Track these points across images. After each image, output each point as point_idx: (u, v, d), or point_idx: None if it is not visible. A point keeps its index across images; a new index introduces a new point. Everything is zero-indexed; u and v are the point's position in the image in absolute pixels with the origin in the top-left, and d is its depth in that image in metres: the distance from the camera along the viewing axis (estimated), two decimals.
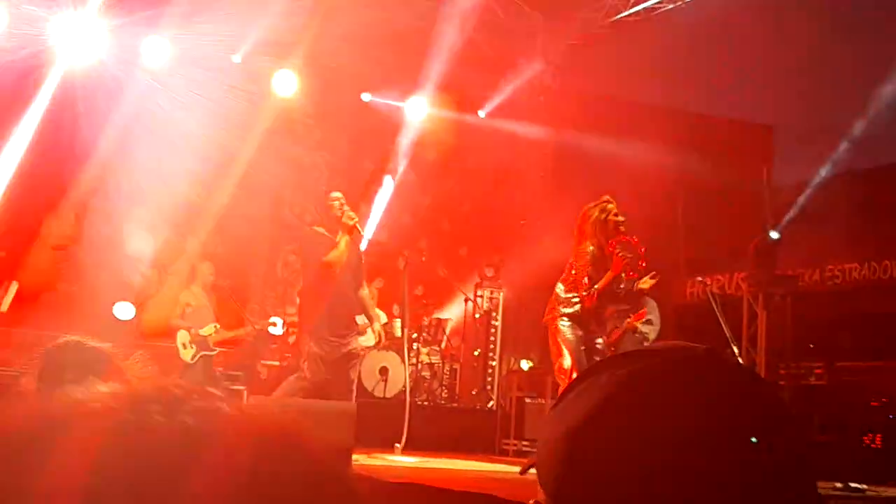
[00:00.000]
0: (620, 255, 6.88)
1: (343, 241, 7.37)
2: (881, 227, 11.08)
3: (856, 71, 13.12)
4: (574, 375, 6.75)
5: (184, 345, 10.66)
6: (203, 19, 12.03)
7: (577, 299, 7.01)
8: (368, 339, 9.51)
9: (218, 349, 10.75)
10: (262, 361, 11.77)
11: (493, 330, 12.67)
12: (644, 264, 7.08)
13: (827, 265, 10.85)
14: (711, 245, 11.96)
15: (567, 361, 7.01)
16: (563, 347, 7.02)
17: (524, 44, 13.69)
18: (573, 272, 7.10)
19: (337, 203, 7.52)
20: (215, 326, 10.69)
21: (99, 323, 11.75)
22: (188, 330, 10.66)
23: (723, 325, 9.70)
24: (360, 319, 8.33)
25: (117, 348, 2.47)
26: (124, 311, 11.78)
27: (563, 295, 7.15)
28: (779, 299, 10.10)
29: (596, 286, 6.94)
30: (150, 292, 12.68)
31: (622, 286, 7.15)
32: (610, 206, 7.12)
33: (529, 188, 13.89)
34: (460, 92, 13.50)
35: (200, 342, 10.64)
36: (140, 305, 12.23)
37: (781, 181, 12.85)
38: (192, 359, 10.61)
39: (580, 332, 7.08)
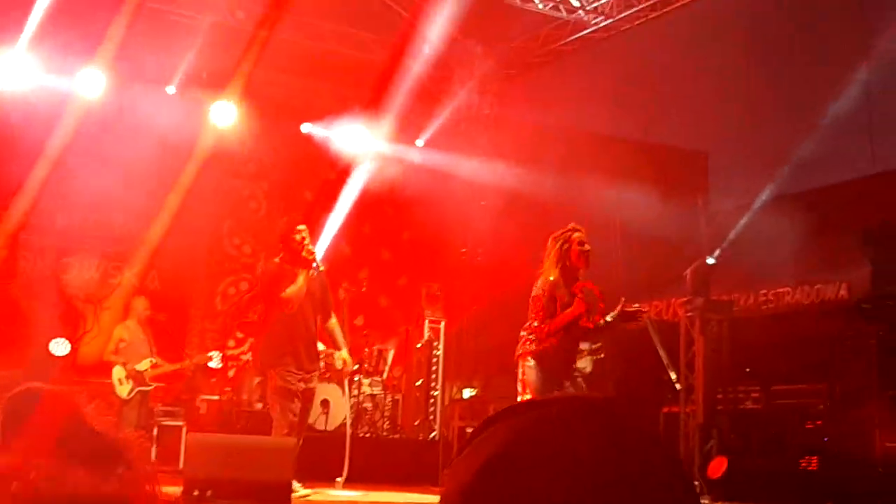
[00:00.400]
0: (581, 297, 6.66)
1: (302, 275, 7.28)
2: (813, 250, 11.29)
3: (786, 97, 13.39)
4: None
5: (119, 380, 10.51)
6: (140, 50, 11.96)
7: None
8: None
9: (154, 384, 10.61)
10: (202, 396, 11.62)
11: (434, 359, 12.66)
12: (603, 306, 6.91)
13: (761, 289, 11.02)
14: (649, 271, 12.09)
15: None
16: (526, 387, 6.87)
17: (461, 73, 13.77)
18: (531, 311, 6.92)
19: (299, 237, 7.38)
20: (151, 361, 10.56)
21: (35, 359, 11.58)
22: (123, 365, 10.51)
23: (660, 352, 9.81)
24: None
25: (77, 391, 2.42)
26: (60, 347, 11.59)
27: (527, 334, 6.94)
28: (715, 324, 10.22)
29: (549, 327, 6.78)
30: (86, 328, 12.50)
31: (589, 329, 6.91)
32: (575, 234, 6.92)
33: (470, 216, 13.94)
34: (399, 121, 13.53)
35: (136, 377, 10.51)
36: (75, 341, 12.05)
37: (717, 207, 13.06)
38: (129, 395, 10.47)
39: (544, 374, 6.84)
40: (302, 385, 7.37)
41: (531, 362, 6.81)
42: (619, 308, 7.01)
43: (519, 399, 6.86)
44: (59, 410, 2.09)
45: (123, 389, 10.47)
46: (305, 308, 7.30)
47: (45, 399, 2.22)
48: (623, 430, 0.92)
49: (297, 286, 7.20)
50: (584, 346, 8.94)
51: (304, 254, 7.31)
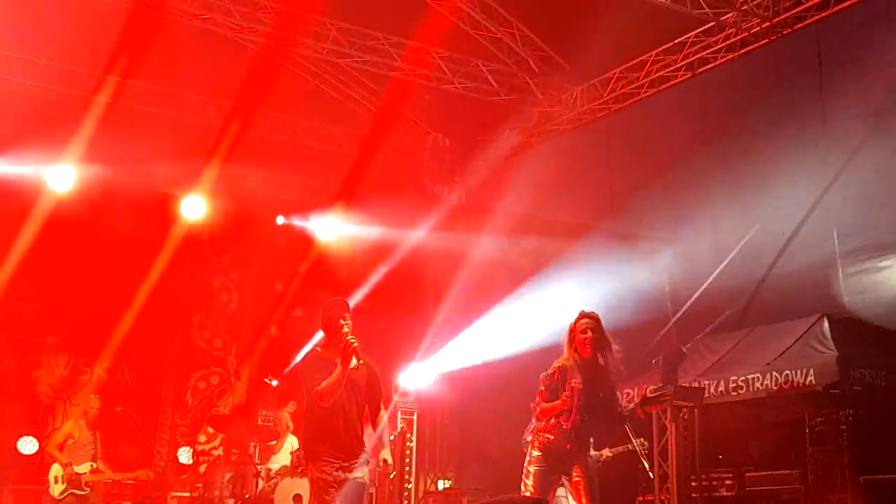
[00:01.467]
0: (568, 395, 6.65)
1: (339, 367, 6.74)
2: (779, 335, 11.41)
3: (744, 185, 13.63)
4: None
5: (55, 478, 10.14)
6: (110, 145, 12.06)
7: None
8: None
9: (88, 490, 10.10)
10: (172, 493, 11.45)
11: (408, 451, 12.59)
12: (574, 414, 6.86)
13: (731, 375, 11.08)
14: (619, 358, 12.14)
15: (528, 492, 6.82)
16: (527, 481, 6.82)
17: (431, 165, 13.96)
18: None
19: (342, 323, 6.87)
20: (92, 466, 10.16)
21: (3, 458, 11.43)
22: (64, 465, 10.14)
23: (633, 440, 9.83)
24: None
25: None
26: (28, 445, 11.45)
27: (534, 423, 6.91)
28: (687, 411, 10.27)
29: (537, 413, 6.81)
30: (55, 425, 12.36)
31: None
32: (581, 321, 6.92)
33: (439, 302, 14.01)
34: (369, 211, 13.67)
35: (71, 480, 10.10)
36: (44, 439, 11.89)
37: (686, 292, 13.19)
38: (60, 495, 10.06)
39: (547, 465, 6.79)
40: (341, 474, 6.76)
41: (536, 452, 6.78)
42: (641, 397, 7.01)
43: (522, 486, 6.84)
44: None
45: (56, 489, 10.09)
46: (346, 399, 6.72)
47: None
48: None
49: (332, 378, 6.70)
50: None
51: (343, 344, 6.71)
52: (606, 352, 6.73)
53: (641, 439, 9.09)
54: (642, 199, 13.42)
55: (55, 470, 10.17)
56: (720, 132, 12.67)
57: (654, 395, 6.96)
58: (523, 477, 6.81)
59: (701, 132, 13.01)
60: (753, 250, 12.35)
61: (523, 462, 6.82)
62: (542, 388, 6.73)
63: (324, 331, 6.62)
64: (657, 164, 13.27)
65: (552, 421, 6.70)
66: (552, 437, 6.66)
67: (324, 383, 6.41)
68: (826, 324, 10.55)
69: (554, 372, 6.72)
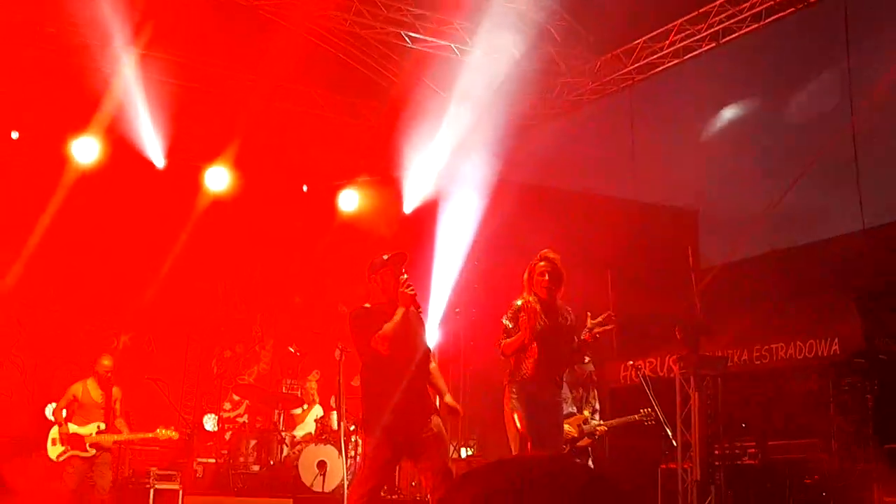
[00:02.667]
0: (524, 322, 6.78)
1: (400, 312, 6.49)
2: (804, 306, 11.39)
3: (775, 152, 13.58)
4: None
5: (53, 440, 10.03)
6: (133, 117, 12.12)
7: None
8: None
9: (94, 451, 10.00)
10: (198, 459, 11.55)
11: (435, 407, 12.61)
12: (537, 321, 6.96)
13: (755, 345, 11.08)
14: (643, 328, 12.16)
15: (518, 425, 6.84)
16: (514, 414, 6.84)
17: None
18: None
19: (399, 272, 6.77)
20: (99, 426, 10.07)
21: (33, 426, 11.54)
22: (63, 425, 10.06)
23: (656, 408, 9.82)
24: None
25: None
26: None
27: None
28: (710, 380, 10.26)
29: (503, 347, 6.89)
30: None
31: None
32: (540, 263, 7.07)
33: (462, 274, 14.01)
34: (392, 181, 13.68)
35: (73, 441, 9.99)
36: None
37: (708, 262, 13.16)
38: (58, 458, 9.94)
39: (529, 398, 6.89)
40: (422, 434, 6.45)
41: (514, 390, 6.85)
42: (588, 323, 7.11)
43: (509, 432, 6.88)
44: None
45: (53, 451, 9.97)
46: (409, 348, 6.46)
47: None
48: (583, 484, 0.94)
49: (394, 320, 6.36)
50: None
51: (404, 289, 6.47)
52: (559, 291, 7.02)
53: (647, 409, 9.06)
54: (666, 168, 13.39)
55: (53, 432, 10.11)
56: (750, 103, 12.62)
57: (599, 318, 7.09)
58: (512, 415, 6.84)
59: (726, 102, 12.96)
60: (781, 220, 12.32)
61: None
62: (507, 324, 6.88)
63: (376, 281, 6.49)
64: (681, 134, 13.23)
65: (523, 368, 6.82)
66: (526, 377, 6.79)
67: (385, 326, 6.18)
68: (853, 295, 10.52)
69: (517, 310, 6.84)
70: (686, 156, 14.18)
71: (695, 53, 12.09)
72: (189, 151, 12.82)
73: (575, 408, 8.57)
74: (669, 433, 9.91)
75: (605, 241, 12.95)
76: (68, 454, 9.92)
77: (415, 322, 6.49)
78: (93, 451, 9.98)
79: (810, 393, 10.59)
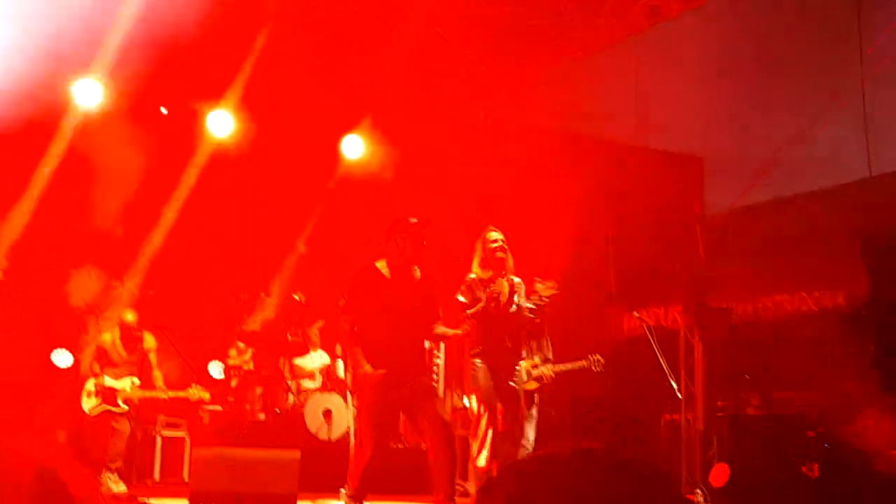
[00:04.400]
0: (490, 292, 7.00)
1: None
2: (809, 256, 11.35)
3: (781, 100, 13.45)
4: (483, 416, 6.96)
5: (88, 393, 10.23)
6: (135, 63, 11.98)
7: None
8: None
9: (126, 407, 10.19)
10: (204, 407, 11.63)
11: (435, 368, 12.69)
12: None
13: (759, 296, 11.08)
14: (646, 279, 12.15)
15: (474, 404, 7.19)
16: (473, 387, 7.20)
17: (457, 80, 13.83)
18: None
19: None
20: (133, 381, 10.29)
21: (37, 371, 11.62)
22: (98, 377, 10.25)
23: (661, 360, 9.86)
24: None
25: None
26: (62, 358, 11.60)
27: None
28: (714, 331, 10.28)
29: (469, 312, 7.12)
30: (87, 339, 12.53)
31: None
32: (488, 234, 7.33)
33: (463, 225, 13.98)
34: (394, 129, 13.58)
35: (107, 395, 10.18)
36: (77, 352, 12.07)
37: (714, 211, 13.11)
38: (92, 410, 10.16)
39: (491, 373, 7.20)
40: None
41: (478, 362, 7.12)
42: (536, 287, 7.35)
43: (467, 402, 7.16)
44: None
45: (88, 403, 10.18)
46: (401, 313, 6.88)
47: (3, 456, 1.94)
48: (641, 484, 0.94)
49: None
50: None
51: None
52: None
53: (596, 356, 9.12)
54: (673, 117, 13.27)
55: (89, 384, 10.29)
56: (756, 49, 12.46)
57: (547, 284, 7.30)
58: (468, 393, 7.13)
59: (735, 50, 12.80)
60: (787, 169, 12.24)
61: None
62: (462, 300, 7.06)
63: (394, 245, 6.68)
64: (689, 83, 13.09)
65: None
66: (487, 347, 7.03)
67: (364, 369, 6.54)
68: (859, 245, 10.47)
69: (470, 283, 7.05)
70: (692, 102, 14.05)
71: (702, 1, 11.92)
72: (190, 94, 12.69)
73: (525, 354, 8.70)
74: (674, 385, 9.96)
75: (608, 188, 12.88)
76: (101, 408, 10.06)
77: (415, 286, 6.68)
78: (125, 408, 10.10)
79: (815, 345, 10.60)
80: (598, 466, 0.85)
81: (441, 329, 7.01)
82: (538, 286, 7.45)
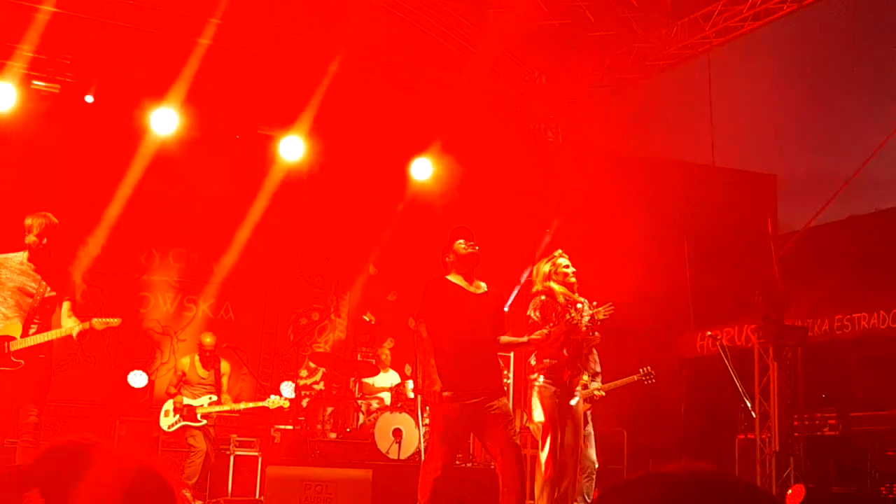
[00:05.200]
0: (569, 318, 6.99)
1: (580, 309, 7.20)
2: (886, 273, 11.13)
3: (855, 117, 13.25)
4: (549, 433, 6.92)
5: (166, 412, 10.52)
6: (209, 88, 12.21)
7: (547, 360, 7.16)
8: None
9: (205, 422, 10.46)
10: (276, 426, 11.74)
11: (505, 388, 12.65)
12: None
13: (836, 314, 10.87)
14: (720, 297, 12.01)
15: (539, 416, 7.15)
16: (539, 405, 7.15)
17: (527, 101, 13.84)
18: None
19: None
20: (210, 398, 10.55)
21: (113, 391, 11.84)
22: (176, 397, 10.55)
23: (734, 379, 9.72)
24: None
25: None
26: (138, 379, 11.81)
27: (532, 360, 7.34)
28: (789, 350, 10.12)
29: (546, 330, 7.07)
30: (162, 360, 12.77)
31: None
32: (560, 259, 7.33)
33: (535, 246, 13.96)
34: (464, 152, 13.63)
35: (186, 412, 10.46)
36: (152, 373, 12.30)
37: (787, 228, 12.93)
38: (170, 428, 10.45)
39: (554, 388, 7.17)
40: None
41: (541, 380, 7.08)
42: (590, 312, 7.27)
43: (535, 420, 7.09)
44: (125, 468, 1.82)
45: (166, 421, 10.46)
46: (471, 326, 6.98)
47: (101, 455, 1.86)
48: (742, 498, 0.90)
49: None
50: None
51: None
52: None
53: (647, 368, 9.00)
54: (745, 133, 13.15)
55: (168, 404, 10.55)
56: (830, 64, 12.30)
57: (601, 309, 7.26)
58: (534, 412, 7.07)
59: (809, 65, 12.65)
60: (862, 185, 12.03)
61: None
62: (536, 317, 7.02)
63: (450, 260, 6.84)
64: (762, 99, 12.96)
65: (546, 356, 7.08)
66: (553, 365, 7.00)
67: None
68: None
69: (543, 304, 7.01)
70: (765, 120, 13.90)
71: (775, 16, 11.78)
72: (262, 120, 12.89)
73: None
74: (749, 404, 9.81)
75: (682, 208, 12.79)
76: (180, 424, 10.36)
77: (482, 298, 6.78)
78: (203, 422, 10.35)
79: (893, 363, 10.37)
80: (718, 487, 0.80)
81: (509, 338, 7.04)
82: (598, 309, 7.46)
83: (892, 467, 9.43)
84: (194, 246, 13.17)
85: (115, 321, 7.15)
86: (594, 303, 7.32)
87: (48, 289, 7.08)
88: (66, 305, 7.14)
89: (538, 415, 7.16)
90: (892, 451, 9.50)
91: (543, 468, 7.20)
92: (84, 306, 12.50)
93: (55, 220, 7.14)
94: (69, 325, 7.02)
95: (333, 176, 13.56)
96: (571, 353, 7.24)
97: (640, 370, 9.12)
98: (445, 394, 6.53)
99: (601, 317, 7.29)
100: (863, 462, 9.70)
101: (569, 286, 7.29)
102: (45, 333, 7.03)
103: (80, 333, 6.98)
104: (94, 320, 7.05)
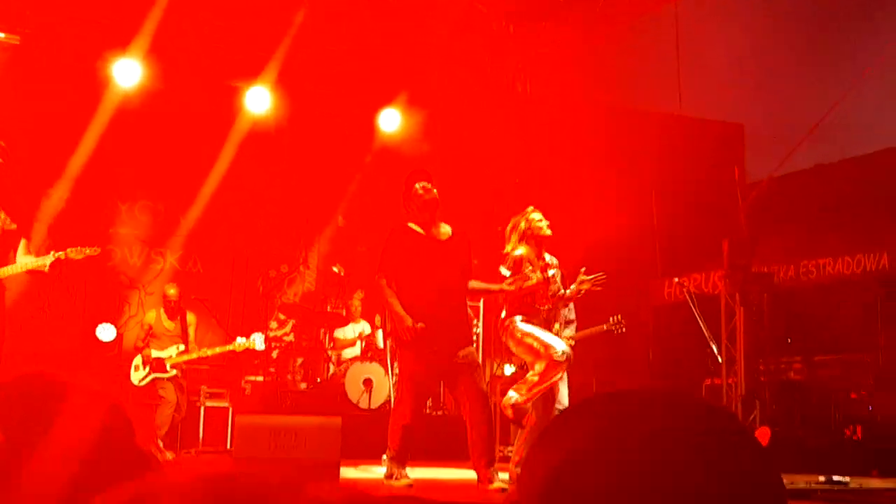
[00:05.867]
0: (545, 275, 6.94)
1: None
2: (852, 220, 11.23)
3: (824, 65, 13.29)
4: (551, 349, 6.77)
5: (136, 367, 10.42)
6: (175, 40, 12.04)
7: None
8: None
9: (175, 372, 10.36)
10: (246, 377, 11.76)
11: (474, 337, 12.70)
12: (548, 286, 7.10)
13: (801, 261, 10.97)
14: (687, 245, 12.09)
15: (539, 345, 6.95)
16: (529, 339, 6.94)
17: (495, 51, 13.77)
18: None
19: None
20: (178, 348, 10.45)
21: (82, 345, 11.78)
22: (143, 351, 10.45)
23: (701, 325, 9.82)
24: None
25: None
26: (106, 332, 11.74)
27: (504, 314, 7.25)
28: (755, 296, 10.22)
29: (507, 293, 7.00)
30: (130, 313, 12.70)
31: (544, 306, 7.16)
32: (533, 215, 7.23)
33: (501, 196, 13.96)
34: (432, 103, 13.56)
35: (155, 364, 10.36)
36: (121, 326, 12.24)
37: (755, 177, 13.00)
38: (140, 382, 10.33)
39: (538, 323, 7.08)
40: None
41: (518, 319, 6.96)
42: (578, 279, 7.24)
43: (532, 362, 6.99)
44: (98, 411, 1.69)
45: (136, 376, 10.36)
46: (438, 274, 6.76)
47: (75, 394, 1.71)
48: (709, 425, 0.89)
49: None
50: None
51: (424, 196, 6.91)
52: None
53: (618, 317, 8.99)
54: (712, 84, 13.15)
55: (136, 359, 10.46)
56: (799, 12, 12.31)
57: (590, 278, 7.21)
58: (525, 338, 6.91)
59: (778, 13, 12.65)
60: (829, 135, 12.10)
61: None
62: (510, 272, 6.96)
63: (412, 204, 6.72)
64: (729, 50, 12.96)
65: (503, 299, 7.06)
66: (527, 310, 6.91)
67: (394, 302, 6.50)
68: None
69: (518, 259, 6.95)
70: (733, 70, 13.91)
71: None
72: (228, 72, 12.75)
73: None
74: (715, 349, 9.92)
75: (649, 157, 12.80)
76: (150, 377, 10.25)
77: (446, 244, 6.68)
78: (174, 372, 10.28)
79: (858, 308, 10.50)
80: (670, 404, 0.79)
81: (479, 283, 7.00)
82: (581, 277, 7.39)
83: (856, 410, 9.58)
84: (160, 198, 13.07)
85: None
86: (582, 269, 7.29)
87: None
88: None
89: (533, 340, 6.98)
90: (856, 393, 9.66)
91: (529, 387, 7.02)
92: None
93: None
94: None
95: (301, 128, 13.46)
96: (540, 304, 7.18)
97: (610, 319, 9.12)
98: (419, 325, 6.49)
99: (585, 283, 7.25)
100: (827, 405, 9.85)
101: (544, 239, 7.23)
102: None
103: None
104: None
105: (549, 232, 7.22)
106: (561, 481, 0.86)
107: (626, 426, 0.89)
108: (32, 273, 7.02)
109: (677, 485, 0.84)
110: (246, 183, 13.21)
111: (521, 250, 7.12)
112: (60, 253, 6.66)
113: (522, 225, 7.22)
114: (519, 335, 6.94)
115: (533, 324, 6.98)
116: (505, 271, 7.13)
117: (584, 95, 14.16)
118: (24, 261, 6.76)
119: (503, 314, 7.22)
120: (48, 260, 6.62)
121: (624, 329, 9.07)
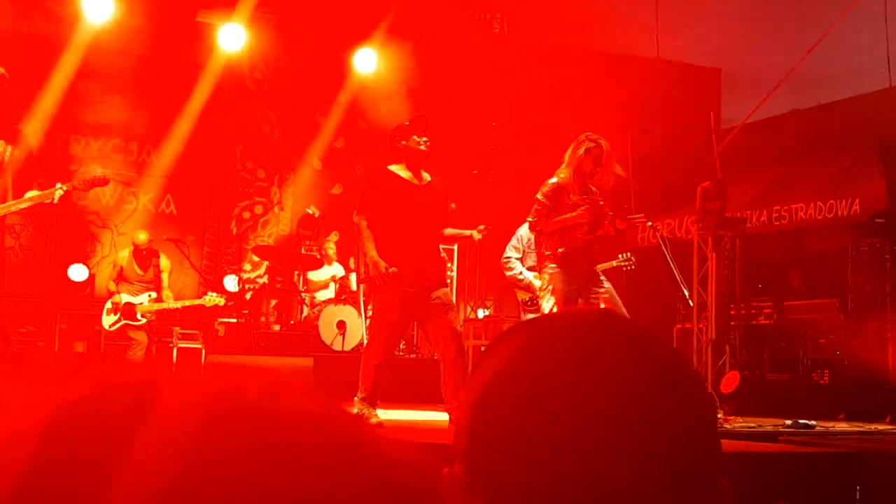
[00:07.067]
0: (588, 207, 6.78)
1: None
2: (826, 166, 11.25)
3: (800, 10, 13.21)
4: None
5: (107, 311, 10.36)
6: None
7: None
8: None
9: (145, 320, 10.31)
10: (219, 319, 11.73)
11: (448, 280, 12.71)
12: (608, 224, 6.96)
13: (774, 206, 11.00)
14: (661, 189, 12.08)
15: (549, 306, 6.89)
16: (550, 295, 6.90)
17: None
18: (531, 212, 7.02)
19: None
20: (150, 296, 10.40)
21: (54, 284, 11.71)
22: (114, 297, 10.36)
23: (674, 269, 9.82)
24: None
25: None
26: (78, 272, 11.68)
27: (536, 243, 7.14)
28: (728, 241, 10.24)
29: (543, 225, 6.88)
30: (103, 253, 12.63)
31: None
32: (592, 143, 6.98)
33: (480, 137, 13.90)
34: (408, 42, 13.42)
35: (125, 311, 10.27)
36: (93, 267, 12.17)
37: (731, 122, 12.98)
38: (111, 327, 10.29)
39: (570, 277, 6.94)
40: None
41: (553, 267, 6.87)
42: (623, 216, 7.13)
43: (545, 307, 6.95)
44: None
45: (108, 320, 10.30)
46: (414, 215, 6.81)
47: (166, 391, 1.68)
48: (638, 341, 0.90)
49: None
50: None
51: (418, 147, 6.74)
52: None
53: (627, 254, 8.99)
54: (690, 25, 13.06)
55: (108, 303, 10.41)
56: None
57: (631, 217, 7.11)
58: (543, 301, 6.90)
59: None
60: (805, 81, 12.06)
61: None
62: (545, 202, 6.83)
63: (400, 150, 6.68)
64: None
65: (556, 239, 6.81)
66: (566, 251, 6.79)
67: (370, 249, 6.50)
68: (876, 154, 10.37)
69: (555, 187, 6.83)
70: (711, 14, 13.81)
71: None
72: (200, 6, 12.56)
73: None
74: (686, 293, 9.95)
75: (624, 100, 12.74)
76: (121, 323, 10.19)
77: (425, 189, 6.68)
78: (143, 321, 10.22)
79: (829, 253, 10.56)
80: (612, 329, 0.79)
81: (452, 230, 7.01)
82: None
83: (824, 354, 9.68)
84: (133, 137, 12.92)
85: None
86: (625, 206, 7.16)
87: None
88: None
89: (548, 304, 6.98)
90: (824, 338, 9.75)
91: None
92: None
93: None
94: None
95: (276, 66, 13.31)
96: (585, 239, 7.02)
97: (620, 255, 9.10)
98: (392, 269, 6.50)
99: (632, 218, 7.14)
100: (796, 350, 9.95)
101: (592, 166, 6.98)
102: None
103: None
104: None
105: (598, 172, 6.95)
106: (492, 393, 0.87)
107: (558, 341, 0.90)
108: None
109: (607, 397, 0.85)
110: (220, 123, 13.08)
111: (559, 177, 6.88)
112: (67, 185, 6.44)
113: (581, 151, 6.94)
114: (544, 284, 6.90)
115: (570, 269, 6.85)
116: (543, 199, 6.91)
117: (561, 38, 14.05)
118: (31, 194, 6.54)
119: (508, 252, 7.09)
120: (57, 193, 6.40)
121: (633, 266, 9.04)
